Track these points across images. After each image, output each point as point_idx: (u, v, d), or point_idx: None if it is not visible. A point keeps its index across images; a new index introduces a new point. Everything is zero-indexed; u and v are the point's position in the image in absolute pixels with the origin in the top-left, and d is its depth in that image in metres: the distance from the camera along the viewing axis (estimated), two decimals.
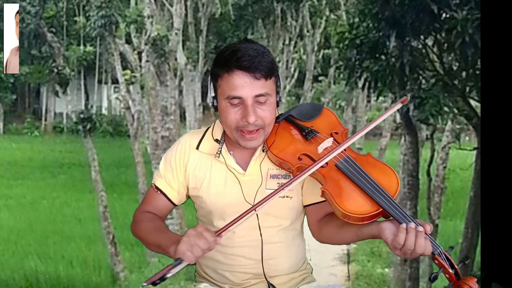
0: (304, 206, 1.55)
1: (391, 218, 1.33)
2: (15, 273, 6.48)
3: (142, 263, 7.09)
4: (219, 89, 1.46)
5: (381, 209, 1.33)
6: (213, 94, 1.49)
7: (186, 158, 1.57)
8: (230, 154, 1.54)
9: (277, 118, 1.53)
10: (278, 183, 1.50)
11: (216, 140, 1.56)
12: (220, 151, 1.54)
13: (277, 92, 1.49)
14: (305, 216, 1.60)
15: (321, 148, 1.45)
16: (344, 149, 1.42)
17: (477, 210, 5.65)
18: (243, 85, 1.42)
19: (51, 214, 7.81)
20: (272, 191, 1.40)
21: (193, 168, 1.56)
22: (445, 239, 6.67)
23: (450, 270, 1.31)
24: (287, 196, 1.51)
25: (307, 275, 1.64)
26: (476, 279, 1.29)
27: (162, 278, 1.32)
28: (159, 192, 1.59)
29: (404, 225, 1.29)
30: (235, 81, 1.42)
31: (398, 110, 1.62)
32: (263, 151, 1.53)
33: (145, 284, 1.33)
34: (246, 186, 1.51)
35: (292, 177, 1.46)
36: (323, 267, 6.18)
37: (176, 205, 1.61)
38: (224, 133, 1.56)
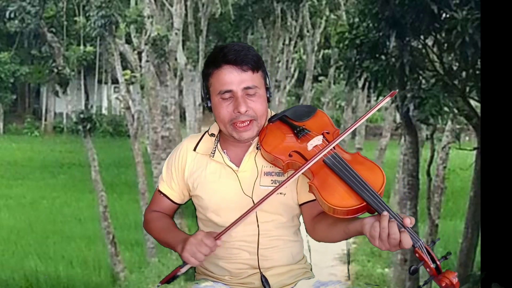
0: (300, 205, 1.59)
1: (376, 213, 1.36)
2: (15, 273, 6.48)
3: (142, 263, 7.09)
4: (211, 87, 1.54)
5: (364, 203, 1.36)
6: (206, 96, 1.57)
7: (184, 161, 1.65)
8: (224, 152, 1.60)
9: (272, 118, 1.59)
10: (272, 180, 1.55)
11: (212, 135, 1.63)
12: (214, 150, 1.60)
13: (267, 88, 1.57)
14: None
15: (310, 145, 1.49)
16: (333, 147, 1.46)
17: (477, 210, 5.64)
18: (232, 78, 1.50)
19: (51, 214, 7.82)
20: (266, 187, 1.51)
21: (190, 169, 1.64)
22: (445, 239, 6.66)
23: (431, 265, 1.32)
24: (280, 193, 1.54)
25: (306, 270, 1.66)
26: (456, 273, 1.30)
27: (174, 277, 1.52)
28: (162, 194, 1.70)
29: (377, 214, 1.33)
30: (225, 76, 1.50)
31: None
32: (257, 148, 1.58)
33: (160, 284, 1.53)
34: (243, 180, 1.56)
35: (283, 173, 1.53)
36: (323, 267, 6.18)
37: (181, 204, 1.72)
38: (219, 132, 1.63)
